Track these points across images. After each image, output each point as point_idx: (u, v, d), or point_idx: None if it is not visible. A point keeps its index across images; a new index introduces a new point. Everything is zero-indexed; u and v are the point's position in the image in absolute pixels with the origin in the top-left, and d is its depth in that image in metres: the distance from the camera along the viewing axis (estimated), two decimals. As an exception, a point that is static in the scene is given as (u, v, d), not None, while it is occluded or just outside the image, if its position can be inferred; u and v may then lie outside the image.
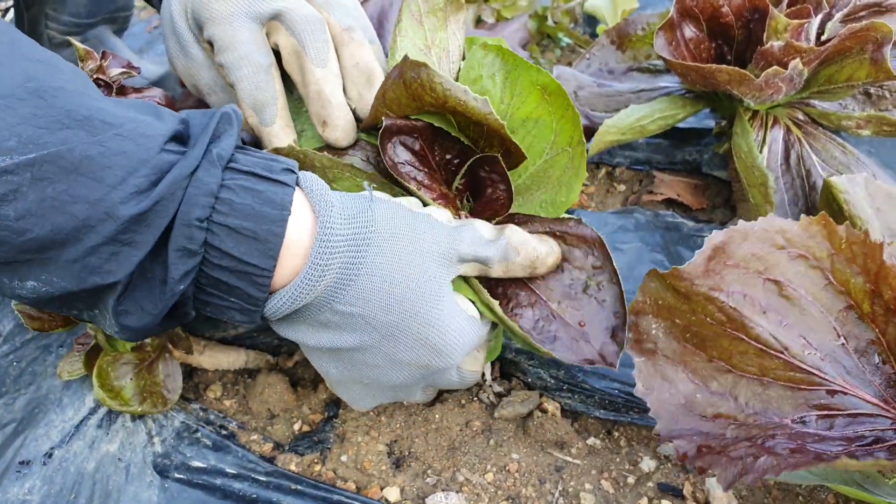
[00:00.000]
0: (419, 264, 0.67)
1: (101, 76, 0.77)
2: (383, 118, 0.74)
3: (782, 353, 0.68)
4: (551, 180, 0.79)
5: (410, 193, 0.76)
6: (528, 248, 0.73)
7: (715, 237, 0.69)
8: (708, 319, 0.69)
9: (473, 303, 0.74)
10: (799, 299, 0.69)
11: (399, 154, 0.75)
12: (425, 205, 0.76)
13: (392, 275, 0.65)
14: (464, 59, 0.84)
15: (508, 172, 0.75)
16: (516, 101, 0.75)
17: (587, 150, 0.78)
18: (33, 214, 0.52)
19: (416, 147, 0.76)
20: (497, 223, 0.79)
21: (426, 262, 0.67)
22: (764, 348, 0.68)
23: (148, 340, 0.91)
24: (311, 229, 0.63)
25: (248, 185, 0.59)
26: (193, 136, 0.60)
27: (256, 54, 0.75)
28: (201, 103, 1.06)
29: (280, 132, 0.78)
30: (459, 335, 0.70)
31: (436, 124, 0.74)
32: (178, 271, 0.57)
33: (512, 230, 0.73)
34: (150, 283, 0.59)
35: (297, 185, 0.65)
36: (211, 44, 0.77)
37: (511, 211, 0.78)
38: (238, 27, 0.75)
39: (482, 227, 0.72)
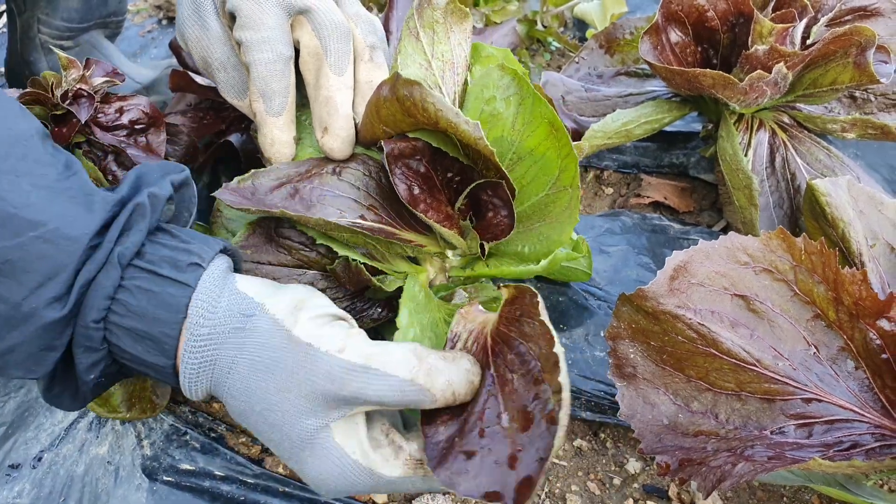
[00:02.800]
0: (281, 403, 0.58)
1: (83, 87, 0.77)
2: (382, 137, 0.74)
3: (755, 365, 0.69)
4: (551, 216, 0.78)
5: (417, 219, 0.77)
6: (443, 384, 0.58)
7: (676, 257, 0.70)
8: (679, 338, 0.70)
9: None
10: (767, 312, 0.70)
11: (407, 179, 0.75)
12: (430, 229, 0.76)
13: (252, 406, 0.59)
14: (469, 69, 0.85)
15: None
16: (527, 129, 0.75)
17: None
18: None
19: (422, 169, 0.76)
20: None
21: (293, 402, 0.58)
22: (738, 363, 0.69)
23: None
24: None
25: (145, 287, 0.59)
26: (112, 228, 0.60)
27: (280, 42, 0.74)
28: (190, 109, 1.06)
29: (284, 126, 0.77)
30: (339, 481, 0.59)
31: (434, 144, 0.75)
32: (84, 364, 0.59)
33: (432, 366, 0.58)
34: (68, 378, 0.62)
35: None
36: (233, 17, 0.75)
37: (508, 236, 0.78)
38: (267, 8, 0.73)
39: (396, 368, 0.57)
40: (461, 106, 0.83)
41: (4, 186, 0.55)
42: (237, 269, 0.69)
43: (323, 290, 0.77)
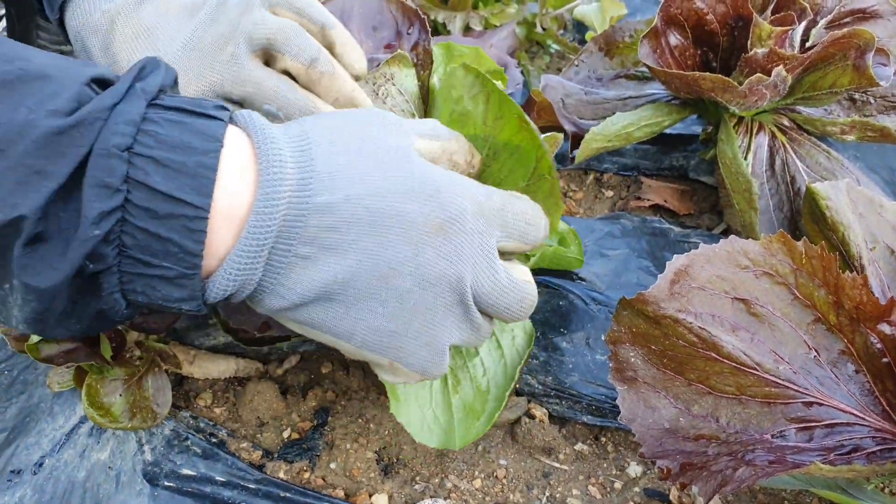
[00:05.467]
0: (374, 135, 0.61)
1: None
2: None
3: (756, 369, 0.69)
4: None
5: None
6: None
7: (677, 261, 0.70)
8: (680, 342, 0.70)
9: None
10: (767, 316, 0.70)
11: None
12: None
13: (350, 147, 0.59)
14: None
15: None
16: (499, 124, 0.75)
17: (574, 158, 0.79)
18: None
19: None
20: None
21: (381, 134, 0.62)
22: (738, 366, 0.70)
23: (137, 353, 0.91)
24: (251, 175, 0.56)
25: (174, 119, 0.53)
26: (128, 71, 0.55)
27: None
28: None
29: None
30: (451, 179, 0.61)
31: None
32: (94, 210, 0.49)
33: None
34: (65, 236, 0.50)
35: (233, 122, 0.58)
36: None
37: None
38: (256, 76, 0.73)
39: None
40: (430, 108, 0.83)
41: None
42: None
43: None
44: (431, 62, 0.84)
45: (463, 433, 0.76)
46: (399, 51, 0.80)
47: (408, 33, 0.85)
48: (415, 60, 0.84)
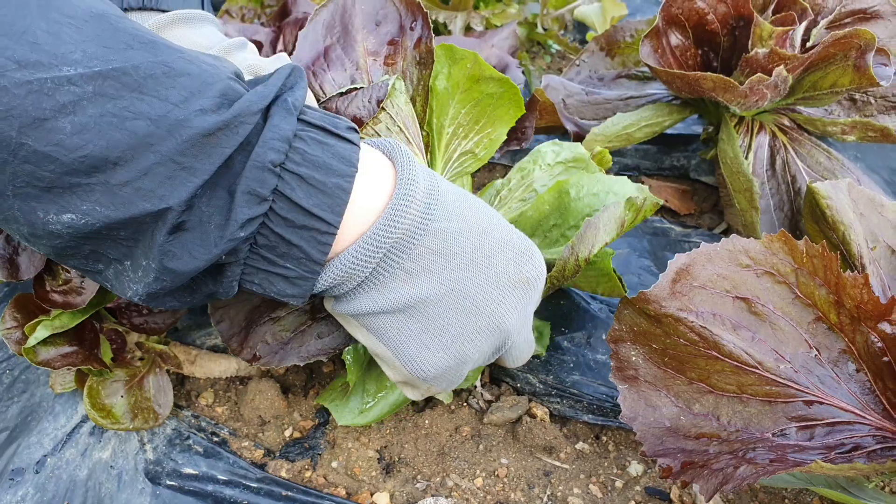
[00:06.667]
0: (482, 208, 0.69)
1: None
2: None
3: (756, 367, 0.69)
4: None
5: None
6: None
7: (678, 260, 0.71)
8: (681, 341, 0.70)
9: None
10: (768, 315, 0.70)
11: None
12: None
13: (463, 211, 0.66)
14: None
15: None
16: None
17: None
18: (89, 130, 0.49)
19: None
20: None
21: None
22: (739, 365, 0.70)
23: (138, 354, 0.91)
24: (386, 191, 0.62)
25: (318, 138, 0.57)
26: (262, 79, 0.59)
27: None
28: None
29: None
30: (534, 246, 0.71)
31: None
32: (244, 215, 0.54)
33: None
34: (205, 228, 0.55)
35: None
36: None
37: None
38: None
39: None
40: (430, 110, 0.87)
41: (139, 26, 0.54)
42: None
43: None
44: (433, 61, 0.83)
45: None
46: (390, 88, 0.80)
47: (410, 29, 0.84)
48: (417, 59, 0.84)
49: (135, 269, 0.57)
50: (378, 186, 0.62)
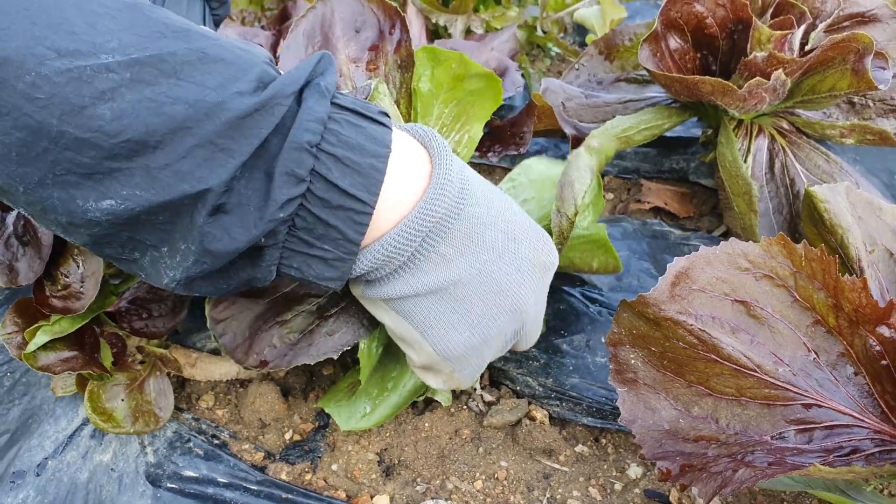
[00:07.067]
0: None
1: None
2: None
3: (755, 370, 0.70)
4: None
5: None
6: None
7: (677, 263, 0.71)
8: (680, 344, 0.71)
9: None
10: (767, 318, 0.71)
11: None
12: None
13: (490, 197, 0.69)
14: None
15: None
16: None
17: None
18: (128, 115, 0.50)
19: None
20: None
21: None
22: (738, 368, 0.70)
23: (139, 358, 0.92)
24: (423, 176, 0.64)
25: (351, 121, 0.59)
26: (304, 63, 0.60)
27: None
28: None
29: None
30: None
31: None
32: (283, 196, 0.55)
33: None
34: (244, 210, 0.56)
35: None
36: None
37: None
38: None
39: None
40: (414, 111, 0.89)
41: (171, 15, 0.55)
42: None
43: None
44: (413, 63, 0.85)
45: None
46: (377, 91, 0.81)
47: (390, 34, 0.86)
48: (398, 62, 0.85)
49: (172, 255, 0.58)
50: (415, 171, 0.64)
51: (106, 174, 0.52)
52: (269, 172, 0.55)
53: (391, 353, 0.86)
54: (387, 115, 0.63)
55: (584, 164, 0.77)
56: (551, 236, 0.80)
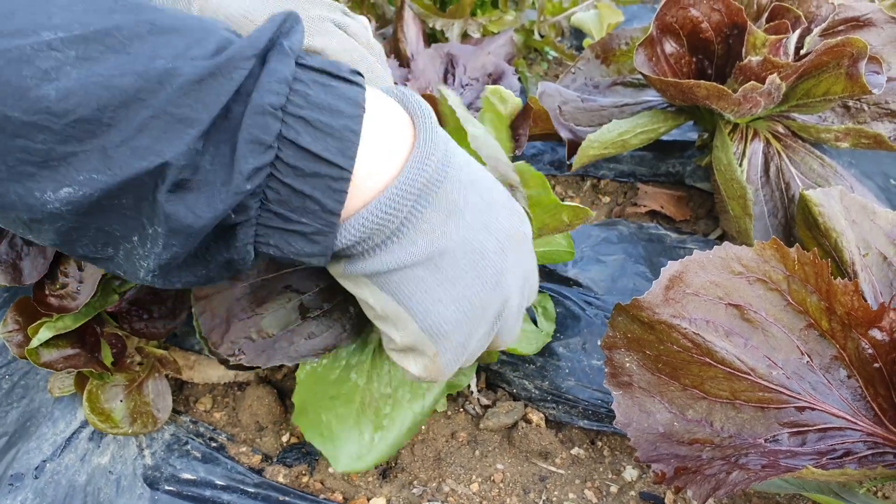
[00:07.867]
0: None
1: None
2: None
3: (749, 374, 0.70)
4: None
5: None
6: None
7: (671, 267, 0.71)
8: (674, 347, 0.71)
9: None
10: (761, 321, 0.71)
11: None
12: None
13: (469, 163, 0.66)
14: None
15: None
16: None
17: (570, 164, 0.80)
18: (76, 94, 0.47)
19: None
20: None
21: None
22: (732, 371, 0.70)
23: (138, 359, 0.92)
24: (406, 138, 0.60)
25: (320, 81, 0.54)
26: (268, 24, 0.56)
27: None
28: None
29: None
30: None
31: None
32: (248, 166, 0.51)
33: None
34: (210, 187, 0.52)
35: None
36: None
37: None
38: None
39: None
40: None
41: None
42: None
43: None
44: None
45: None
46: None
47: None
48: None
49: (143, 243, 0.55)
50: (396, 133, 0.60)
51: (61, 160, 0.49)
52: (234, 143, 0.51)
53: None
54: (359, 73, 0.58)
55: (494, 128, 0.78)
56: None
